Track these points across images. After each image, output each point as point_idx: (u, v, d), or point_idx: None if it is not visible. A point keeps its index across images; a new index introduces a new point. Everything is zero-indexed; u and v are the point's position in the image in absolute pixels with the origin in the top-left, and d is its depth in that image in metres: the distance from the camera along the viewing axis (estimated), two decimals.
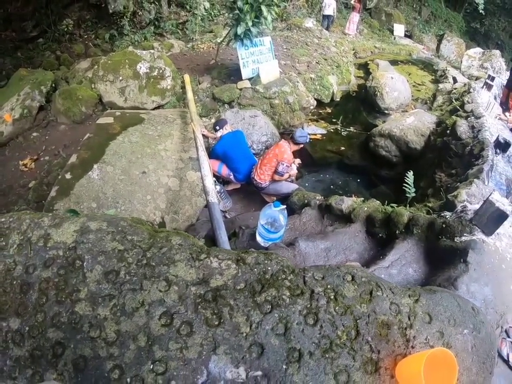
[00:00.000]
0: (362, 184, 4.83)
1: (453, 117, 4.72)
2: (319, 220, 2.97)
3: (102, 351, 1.25)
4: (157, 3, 7.49)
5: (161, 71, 4.93)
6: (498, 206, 2.07)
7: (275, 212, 2.45)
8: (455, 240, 2.21)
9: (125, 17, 7.05)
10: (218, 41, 6.55)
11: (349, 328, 1.32)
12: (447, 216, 2.47)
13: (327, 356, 1.25)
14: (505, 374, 1.91)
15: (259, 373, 1.22)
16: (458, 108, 5.08)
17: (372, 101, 6.33)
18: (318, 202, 3.10)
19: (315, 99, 5.73)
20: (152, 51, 5.45)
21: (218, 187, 3.59)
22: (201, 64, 6.08)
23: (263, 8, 4.64)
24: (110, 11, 6.86)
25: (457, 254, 2.14)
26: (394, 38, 11.29)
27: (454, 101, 5.58)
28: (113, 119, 3.99)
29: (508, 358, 1.96)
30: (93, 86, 4.91)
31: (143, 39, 7.34)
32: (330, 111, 6.12)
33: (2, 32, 6.80)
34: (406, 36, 11.84)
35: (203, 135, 3.84)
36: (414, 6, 14.06)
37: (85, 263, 1.42)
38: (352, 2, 10.28)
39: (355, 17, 9.96)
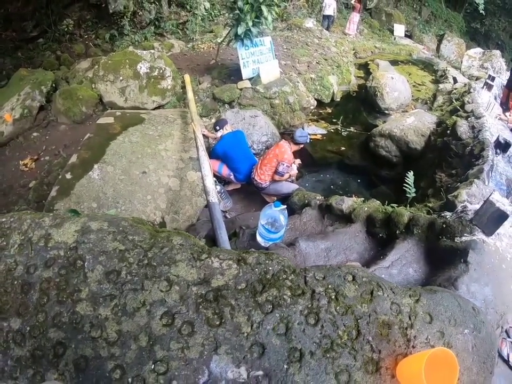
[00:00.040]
0: (363, 184, 4.83)
1: (453, 117, 4.72)
2: (320, 220, 2.97)
3: (103, 351, 1.25)
4: (157, 3, 7.49)
5: (161, 71, 4.93)
6: (498, 206, 2.08)
7: (275, 212, 2.45)
8: (456, 240, 2.21)
9: (125, 17, 7.05)
10: (219, 41, 6.55)
11: (350, 328, 1.32)
12: (447, 216, 2.47)
13: (328, 355, 1.26)
14: (506, 374, 1.91)
15: (260, 372, 1.22)
16: (458, 108, 5.08)
17: (372, 101, 6.32)
18: (318, 202, 3.10)
19: (315, 99, 5.73)
20: (152, 51, 5.44)
21: (218, 187, 3.59)
22: (202, 64, 6.08)
23: (264, 8, 4.64)
24: (110, 11, 6.86)
25: (458, 254, 2.14)
26: (395, 38, 11.29)
27: (454, 101, 5.58)
28: (114, 119, 3.99)
29: (508, 358, 1.96)
30: (93, 86, 4.91)
31: (143, 39, 7.34)
32: (330, 111, 6.12)
33: (3, 32, 6.80)
34: (406, 36, 11.83)
35: (203, 135, 3.85)
36: (414, 6, 14.05)
37: (86, 263, 1.42)
38: (352, 2, 10.28)
39: (355, 17, 9.96)
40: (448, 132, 4.44)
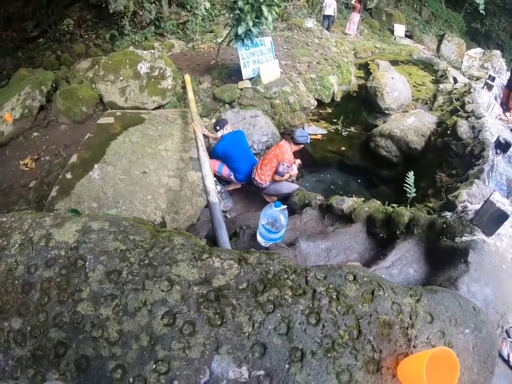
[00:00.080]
0: (363, 184, 4.83)
1: (453, 117, 4.73)
2: (320, 220, 2.97)
3: (104, 351, 1.25)
4: (157, 3, 7.49)
5: (161, 71, 4.93)
6: (498, 206, 2.08)
7: (276, 212, 2.45)
8: (456, 240, 2.21)
9: (125, 17, 7.05)
10: (219, 41, 6.54)
11: (351, 327, 1.32)
12: (447, 216, 2.47)
13: (329, 355, 1.26)
14: (506, 374, 1.92)
15: (261, 372, 1.22)
16: (458, 108, 5.08)
17: (372, 101, 6.33)
18: (318, 202, 3.11)
19: (315, 99, 5.73)
20: (152, 51, 5.44)
21: (219, 187, 3.59)
22: (202, 64, 6.08)
23: (264, 8, 4.64)
24: (111, 11, 6.86)
25: (458, 254, 2.14)
26: (395, 38, 11.29)
27: (454, 101, 5.58)
28: (114, 119, 3.99)
29: (509, 358, 1.97)
30: (93, 86, 4.91)
31: (143, 39, 7.33)
32: (330, 111, 6.13)
33: (3, 32, 6.80)
34: (406, 36, 11.83)
35: (204, 135, 3.84)
36: (415, 6, 14.06)
37: (87, 263, 1.42)
38: (352, 2, 10.28)
39: (355, 17, 9.96)
40: (449, 132, 4.44)
